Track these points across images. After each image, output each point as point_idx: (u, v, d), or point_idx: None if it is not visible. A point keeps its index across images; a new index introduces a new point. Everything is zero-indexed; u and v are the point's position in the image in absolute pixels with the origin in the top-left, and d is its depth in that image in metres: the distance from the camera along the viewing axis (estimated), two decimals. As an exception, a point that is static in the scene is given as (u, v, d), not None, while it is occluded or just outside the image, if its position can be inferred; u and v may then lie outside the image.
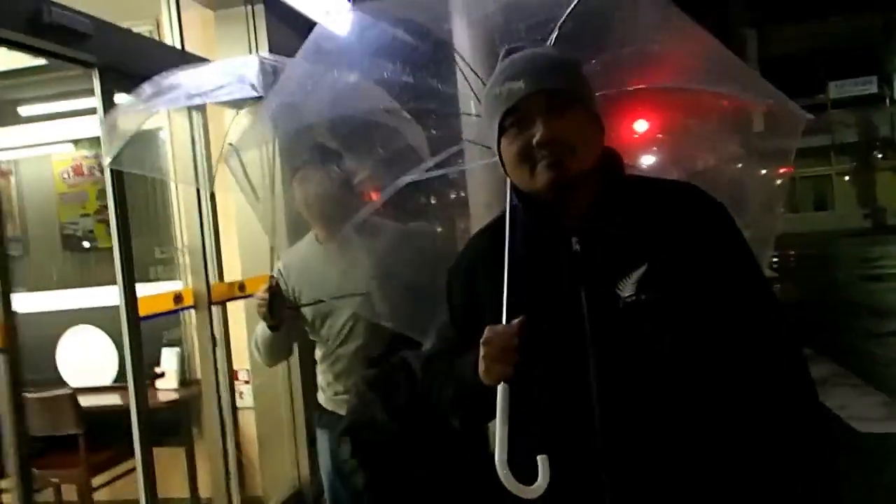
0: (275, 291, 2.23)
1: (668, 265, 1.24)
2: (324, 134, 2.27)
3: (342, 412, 2.27)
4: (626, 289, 1.24)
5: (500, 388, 1.23)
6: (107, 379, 4.31)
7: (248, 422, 4.11)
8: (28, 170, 5.33)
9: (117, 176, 2.87)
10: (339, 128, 2.17)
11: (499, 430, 1.20)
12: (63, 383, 4.18)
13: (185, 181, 3.47)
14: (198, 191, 3.39)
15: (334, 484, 2.35)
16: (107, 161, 2.57)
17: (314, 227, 2.38)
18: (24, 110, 4.83)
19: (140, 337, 2.96)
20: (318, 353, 2.41)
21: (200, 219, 3.39)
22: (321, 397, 2.42)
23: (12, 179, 5.37)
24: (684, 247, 1.26)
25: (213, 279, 3.76)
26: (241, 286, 3.71)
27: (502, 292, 1.29)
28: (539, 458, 1.20)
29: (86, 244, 5.07)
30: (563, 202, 1.31)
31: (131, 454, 3.95)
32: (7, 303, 2.07)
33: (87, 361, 4.35)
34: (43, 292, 4.78)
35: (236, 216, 3.81)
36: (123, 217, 2.91)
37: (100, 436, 3.78)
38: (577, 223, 1.31)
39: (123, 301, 2.93)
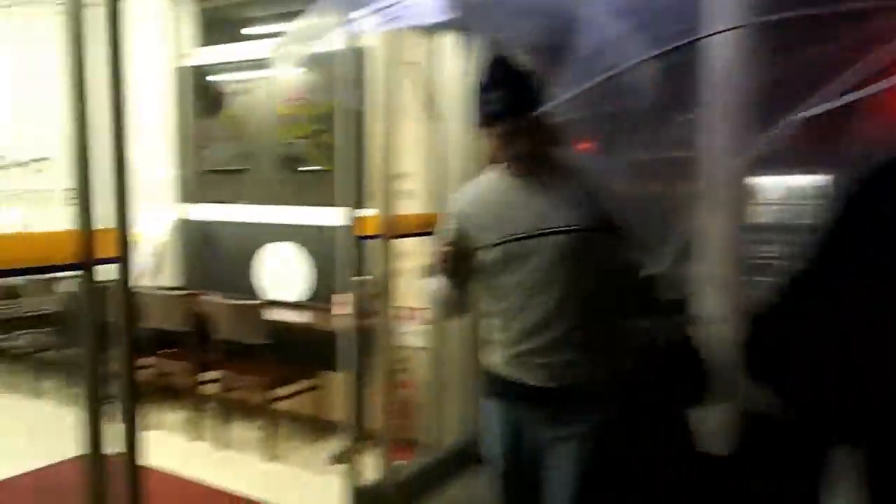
0: (459, 245, 1.99)
1: None
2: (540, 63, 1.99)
3: (525, 379, 1.98)
4: None
5: None
6: (296, 296, 4.44)
7: (424, 363, 4.03)
8: (262, 90, 5.58)
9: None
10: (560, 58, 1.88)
11: None
12: (253, 294, 4.36)
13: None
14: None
15: (515, 466, 2.07)
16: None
17: (506, 159, 2.04)
18: (248, 31, 5.01)
19: (361, 259, 3.06)
20: (491, 306, 2.08)
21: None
22: (492, 358, 2.07)
23: (247, 98, 5.67)
24: None
25: (423, 209, 3.66)
26: (427, 221, 3.56)
27: None
28: None
29: (299, 165, 5.24)
30: None
31: (310, 374, 4.08)
32: (122, 214, 2.00)
33: (283, 276, 4.49)
34: (260, 206, 5.02)
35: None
36: (348, 139, 2.94)
37: (283, 350, 3.90)
38: None
39: (345, 221, 3.01)
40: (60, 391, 4.86)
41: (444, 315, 2.33)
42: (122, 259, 2.00)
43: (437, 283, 2.07)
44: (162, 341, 4.17)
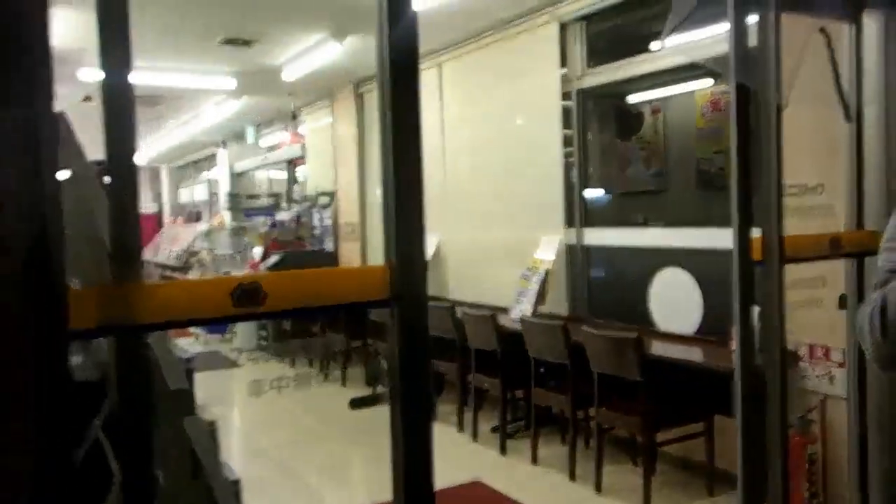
0: None
1: None
2: None
3: None
4: None
5: None
6: (687, 328, 3.99)
7: (837, 413, 3.26)
8: (674, 106, 5.36)
9: (742, 97, 2.53)
10: None
11: None
12: (648, 324, 4.02)
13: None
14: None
15: None
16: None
17: None
18: (656, 44, 4.75)
19: (752, 288, 2.67)
20: None
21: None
22: None
23: (660, 116, 5.48)
24: None
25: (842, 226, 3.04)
26: (836, 241, 2.87)
27: None
28: None
29: (717, 182, 4.82)
30: None
31: (697, 416, 3.58)
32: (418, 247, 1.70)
33: (675, 305, 4.10)
34: (656, 228, 4.73)
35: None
36: (743, 147, 2.60)
37: (666, 387, 3.51)
38: None
39: (736, 243, 2.63)
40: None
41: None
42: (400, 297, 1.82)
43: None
44: (545, 371, 4.10)
